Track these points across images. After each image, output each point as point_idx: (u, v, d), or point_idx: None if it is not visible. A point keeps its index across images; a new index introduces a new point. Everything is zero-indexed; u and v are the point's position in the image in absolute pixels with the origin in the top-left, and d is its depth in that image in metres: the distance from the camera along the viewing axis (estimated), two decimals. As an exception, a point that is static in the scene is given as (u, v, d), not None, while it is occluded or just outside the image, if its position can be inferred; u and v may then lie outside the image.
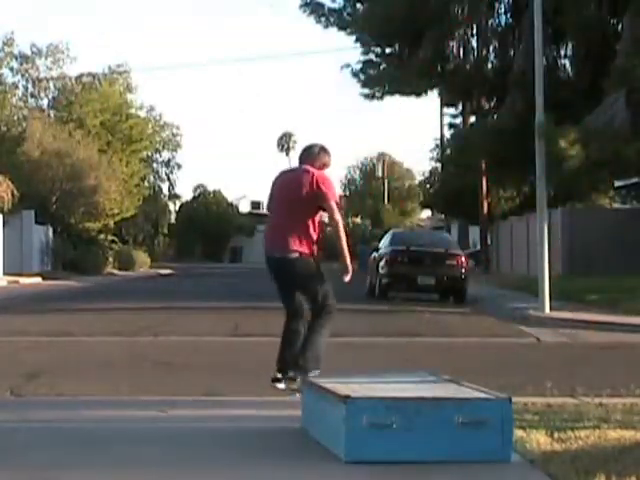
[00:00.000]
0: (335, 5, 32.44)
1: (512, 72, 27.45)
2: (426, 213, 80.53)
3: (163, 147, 69.76)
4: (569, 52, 29.31)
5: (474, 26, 30.34)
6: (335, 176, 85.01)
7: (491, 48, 30.77)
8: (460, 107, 41.45)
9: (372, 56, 32.86)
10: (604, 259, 30.85)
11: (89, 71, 56.61)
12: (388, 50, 32.41)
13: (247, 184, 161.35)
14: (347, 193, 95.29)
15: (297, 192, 7.61)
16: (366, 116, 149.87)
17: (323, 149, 7.94)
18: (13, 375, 8.76)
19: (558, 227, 30.42)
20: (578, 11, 26.49)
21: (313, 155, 7.86)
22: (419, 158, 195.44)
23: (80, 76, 55.35)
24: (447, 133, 48.01)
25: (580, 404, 7.00)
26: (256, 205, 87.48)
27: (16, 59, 54.85)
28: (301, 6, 32.34)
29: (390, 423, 4.87)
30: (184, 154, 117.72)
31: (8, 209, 37.15)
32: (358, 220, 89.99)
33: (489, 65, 31.01)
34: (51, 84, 55.76)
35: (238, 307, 19.35)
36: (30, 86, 55.79)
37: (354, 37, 32.38)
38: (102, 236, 53.12)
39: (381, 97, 32.72)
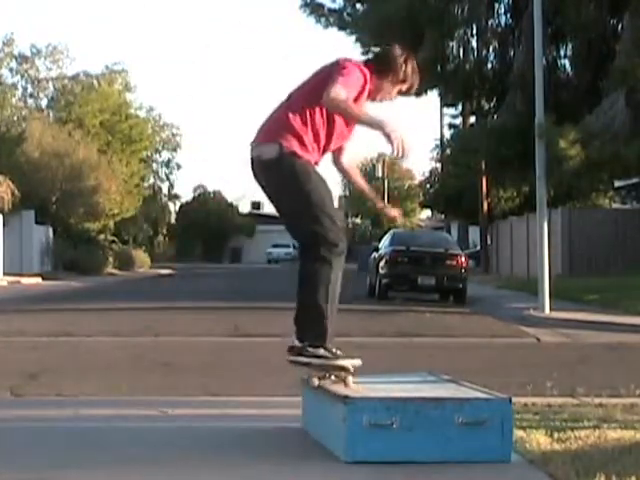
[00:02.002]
0: (335, 5, 32.47)
1: (512, 72, 27.46)
2: (426, 213, 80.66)
3: (163, 147, 69.81)
4: (569, 52, 29.32)
5: (474, 26, 30.35)
6: (336, 174, 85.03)
7: (491, 48, 30.78)
8: (460, 107, 41.45)
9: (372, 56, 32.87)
10: (604, 259, 30.89)
11: (85, 70, 56.79)
12: (388, 50, 32.41)
13: (247, 184, 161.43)
14: (347, 193, 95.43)
15: (312, 77, 5.47)
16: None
17: (403, 54, 5.52)
18: (13, 375, 8.76)
19: (558, 227, 30.45)
20: (578, 11, 26.50)
21: (380, 55, 5.62)
22: (419, 158, 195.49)
23: (76, 75, 55.43)
24: (447, 133, 48.11)
25: (580, 404, 7.00)
26: (256, 205, 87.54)
27: (16, 59, 54.95)
28: (301, 6, 32.35)
29: (390, 423, 4.87)
30: (184, 154, 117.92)
31: (8, 209, 37.19)
32: (358, 220, 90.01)
33: (489, 65, 31.01)
34: (50, 84, 55.83)
35: (238, 307, 19.36)
36: (29, 86, 55.88)
37: (354, 37, 32.40)
38: (102, 236, 53.18)
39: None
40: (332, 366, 5.34)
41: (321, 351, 5.31)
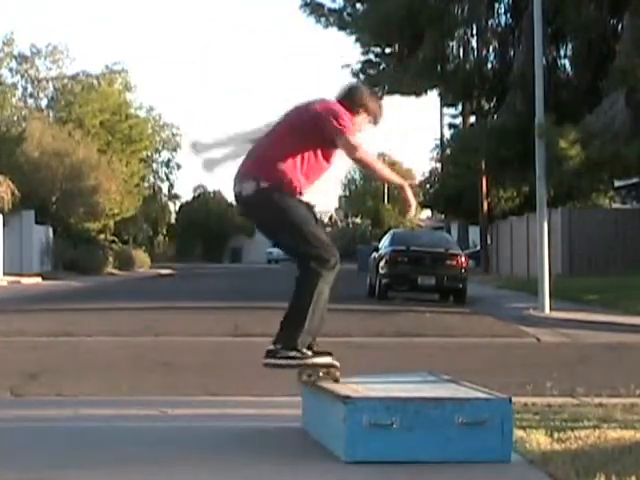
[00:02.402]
0: (335, 5, 32.45)
1: (512, 72, 27.45)
2: (426, 213, 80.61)
3: (163, 147, 69.78)
4: (569, 52, 29.31)
5: (474, 26, 30.33)
6: (335, 176, 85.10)
7: (491, 48, 30.76)
8: (460, 107, 41.44)
9: (372, 56, 32.87)
10: (604, 259, 30.88)
11: (84, 69, 56.78)
12: (388, 50, 32.41)
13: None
14: (347, 193, 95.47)
15: (291, 117, 5.82)
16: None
17: (369, 91, 6.10)
18: (13, 375, 8.76)
19: (558, 227, 30.44)
20: (578, 11, 26.48)
21: (350, 94, 5.92)
22: (419, 158, 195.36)
23: (76, 75, 55.40)
24: (447, 133, 48.06)
25: (580, 404, 7.00)
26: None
27: (16, 59, 54.93)
28: (301, 6, 32.35)
29: (390, 423, 4.87)
30: (184, 154, 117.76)
31: (8, 209, 37.18)
32: (358, 220, 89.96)
33: (489, 65, 31.00)
34: (50, 84, 55.80)
35: (238, 307, 19.34)
36: (30, 86, 55.86)
37: (354, 37, 32.39)
38: (102, 236, 53.17)
39: (381, 97, 32.68)
40: (304, 365, 5.61)
41: (292, 353, 5.59)
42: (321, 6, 32.33)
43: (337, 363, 5.66)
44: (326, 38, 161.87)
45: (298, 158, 5.65)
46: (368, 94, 5.99)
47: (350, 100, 5.86)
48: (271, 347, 5.66)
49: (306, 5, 32.33)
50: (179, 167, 74.56)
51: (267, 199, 5.60)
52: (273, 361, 5.63)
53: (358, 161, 5.72)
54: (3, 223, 37.62)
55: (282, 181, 5.60)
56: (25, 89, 55.97)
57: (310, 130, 5.66)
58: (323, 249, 5.60)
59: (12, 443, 5.46)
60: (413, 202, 5.87)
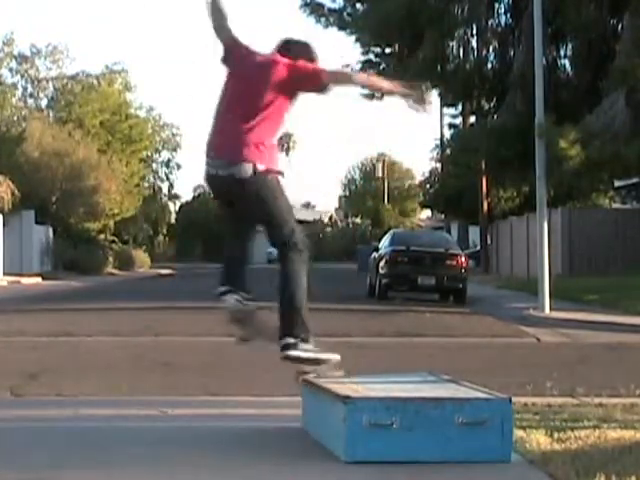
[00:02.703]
0: (335, 5, 32.49)
1: (512, 72, 27.46)
2: (426, 213, 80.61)
3: (163, 147, 69.75)
4: (569, 52, 29.33)
5: (474, 26, 30.34)
6: (335, 176, 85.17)
7: (491, 48, 30.78)
8: (460, 107, 41.44)
9: (372, 56, 32.89)
10: (604, 259, 30.89)
11: (84, 69, 56.82)
12: (388, 50, 32.43)
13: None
14: (347, 193, 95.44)
15: (263, 80, 5.73)
16: (366, 116, 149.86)
17: (305, 45, 6.07)
18: (13, 375, 8.75)
19: (558, 227, 30.44)
20: (578, 11, 26.49)
21: (288, 46, 6.02)
22: (419, 158, 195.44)
23: (76, 75, 55.41)
24: (447, 133, 48.08)
25: (580, 404, 7.00)
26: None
27: (16, 59, 54.93)
28: (301, 6, 32.38)
29: (390, 423, 4.87)
30: (184, 154, 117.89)
31: (8, 209, 37.18)
32: (358, 220, 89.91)
33: (489, 65, 31.01)
34: (50, 84, 55.81)
35: (238, 307, 19.33)
36: (30, 86, 55.87)
37: (354, 37, 32.41)
38: (102, 236, 53.17)
39: (381, 97, 32.72)
40: (319, 359, 5.73)
41: (309, 346, 5.68)
42: (321, 6, 32.36)
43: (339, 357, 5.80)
44: (326, 38, 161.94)
45: (277, 128, 5.74)
46: (303, 43, 6.05)
47: (289, 51, 5.93)
48: (288, 340, 5.67)
49: (306, 5, 32.35)
50: (179, 167, 74.61)
51: (262, 184, 5.62)
52: (292, 353, 5.65)
53: (362, 80, 6.06)
54: (3, 223, 37.62)
55: (273, 160, 5.69)
56: (25, 89, 55.98)
57: (291, 93, 5.73)
58: (301, 241, 5.71)
59: (12, 443, 5.46)
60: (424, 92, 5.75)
